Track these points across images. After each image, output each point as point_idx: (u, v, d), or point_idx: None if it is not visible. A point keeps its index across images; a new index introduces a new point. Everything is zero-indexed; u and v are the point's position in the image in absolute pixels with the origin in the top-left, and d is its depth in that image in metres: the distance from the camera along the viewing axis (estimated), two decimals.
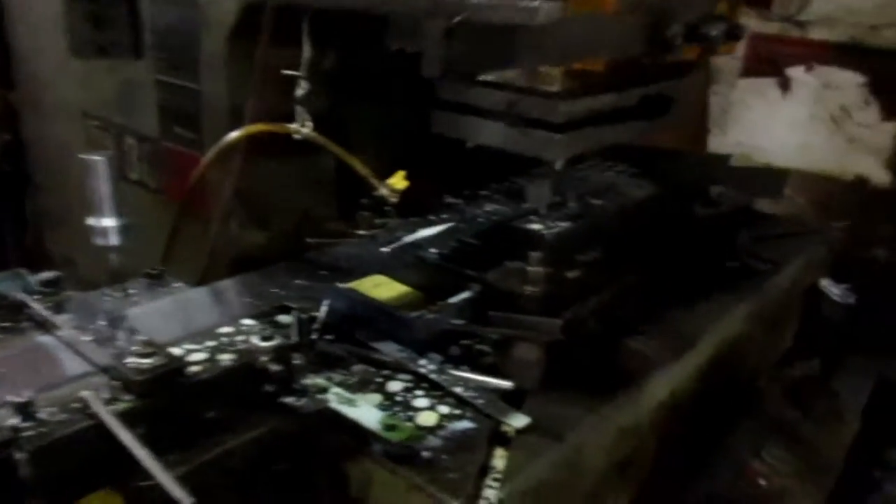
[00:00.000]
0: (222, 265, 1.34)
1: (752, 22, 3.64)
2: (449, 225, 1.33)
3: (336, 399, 1.01)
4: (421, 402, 1.08)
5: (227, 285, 1.09)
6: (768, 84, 3.66)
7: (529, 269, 1.20)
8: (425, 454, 0.97)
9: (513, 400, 1.10)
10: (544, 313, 1.17)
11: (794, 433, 1.51)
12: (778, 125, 3.67)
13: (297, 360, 0.98)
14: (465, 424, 1.04)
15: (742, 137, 3.82)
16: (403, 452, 0.95)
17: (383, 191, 1.18)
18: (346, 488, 1.00)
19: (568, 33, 1.01)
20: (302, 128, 1.09)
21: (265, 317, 1.09)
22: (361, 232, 1.39)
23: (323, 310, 1.28)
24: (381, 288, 1.39)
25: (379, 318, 1.21)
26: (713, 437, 1.45)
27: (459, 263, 1.37)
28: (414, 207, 1.44)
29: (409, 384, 1.12)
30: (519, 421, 1.03)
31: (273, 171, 1.45)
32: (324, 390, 1.03)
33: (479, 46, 0.89)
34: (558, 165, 1.34)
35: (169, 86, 1.52)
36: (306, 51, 1.09)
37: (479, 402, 1.06)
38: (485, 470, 0.95)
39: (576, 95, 1.28)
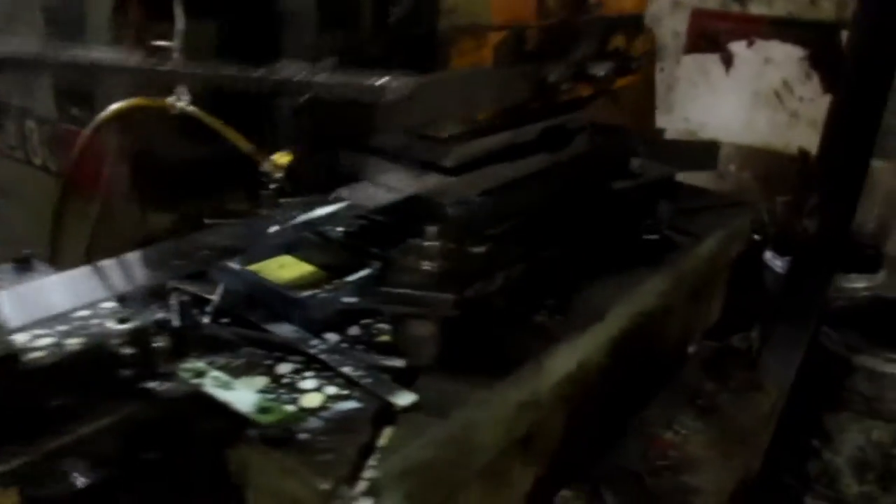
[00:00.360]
0: (117, 247, 1.29)
1: None
2: (347, 202, 1.29)
3: (212, 383, 0.98)
4: (309, 383, 1.05)
5: (105, 266, 1.05)
6: (712, 60, 3.67)
7: (425, 244, 1.17)
8: (303, 436, 0.94)
9: (406, 378, 1.08)
10: (443, 289, 1.14)
11: (710, 404, 1.51)
12: (722, 101, 3.69)
13: (166, 343, 0.94)
14: (351, 405, 1.01)
15: (688, 114, 3.83)
16: (278, 435, 0.92)
17: (266, 166, 1.14)
18: (227, 475, 0.97)
19: (431, 96, 1.01)
20: (178, 102, 1.05)
21: (136, 299, 1.05)
22: (265, 212, 1.35)
23: (218, 292, 1.24)
24: (287, 269, 1.36)
25: (272, 299, 1.18)
26: (628, 409, 1.44)
27: (364, 240, 1.34)
28: (321, 184, 1.41)
29: (300, 366, 1.09)
30: (404, 399, 1.00)
31: (173, 150, 1.40)
32: (201, 374, 1.00)
33: (341, 115, 0.89)
34: (451, 212, 1.33)
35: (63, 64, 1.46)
36: (179, 23, 1.05)
37: (367, 381, 1.04)
38: (365, 450, 0.93)
39: (468, 138, 1.28)
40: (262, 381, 1.05)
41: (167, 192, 1.37)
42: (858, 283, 2.81)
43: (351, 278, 1.21)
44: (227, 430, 0.94)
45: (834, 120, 2.13)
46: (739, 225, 1.84)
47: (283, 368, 1.09)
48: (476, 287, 1.22)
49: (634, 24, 1.55)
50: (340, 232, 1.39)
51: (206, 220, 1.33)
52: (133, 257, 1.12)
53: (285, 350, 1.12)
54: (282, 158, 1.14)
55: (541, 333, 1.23)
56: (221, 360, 1.08)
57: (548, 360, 1.18)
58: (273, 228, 1.17)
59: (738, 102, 3.64)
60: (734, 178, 3.77)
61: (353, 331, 1.19)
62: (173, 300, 1.06)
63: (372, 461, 0.92)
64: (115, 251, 1.12)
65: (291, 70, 0.84)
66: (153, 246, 1.09)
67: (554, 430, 1.29)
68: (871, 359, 2.45)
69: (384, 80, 0.85)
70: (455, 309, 1.09)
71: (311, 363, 1.09)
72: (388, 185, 1.35)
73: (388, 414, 0.99)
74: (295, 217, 1.22)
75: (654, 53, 3.88)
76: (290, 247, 1.39)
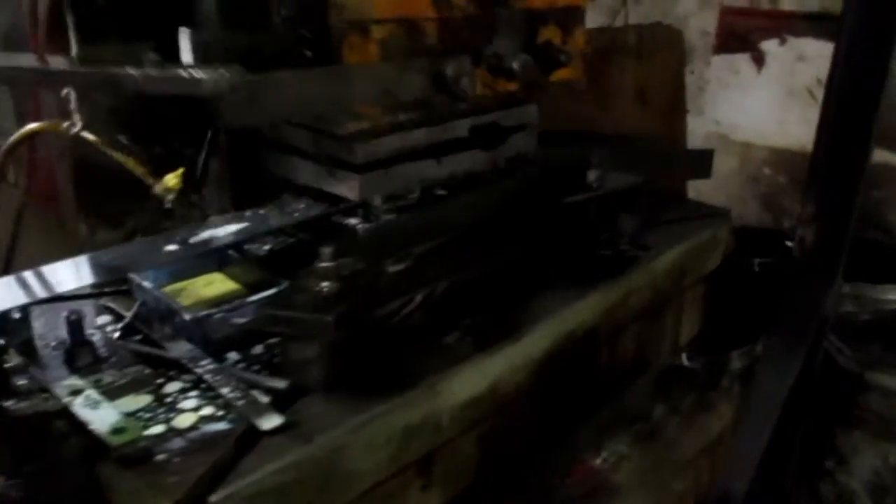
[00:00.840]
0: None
1: None
2: (248, 223, 1.31)
3: (82, 402, 1.01)
4: (189, 403, 1.07)
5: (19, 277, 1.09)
6: (742, 60, 3.53)
7: (321, 264, 1.17)
8: (161, 457, 0.96)
9: (286, 400, 1.08)
10: (334, 310, 1.14)
11: (651, 428, 1.45)
12: (754, 102, 3.54)
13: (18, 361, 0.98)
14: (220, 427, 1.02)
15: (719, 116, 3.70)
16: (131, 455, 0.94)
17: (158, 189, 1.17)
18: (99, 493, 1.00)
19: (279, 91, 0.99)
20: (73, 126, 1.09)
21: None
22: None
23: (133, 309, 1.28)
24: (213, 286, 1.39)
25: (171, 318, 1.20)
26: (560, 432, 1.40)
27: (282, 259, 1.36)
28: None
29: (188, 385, 1.12)
30: (269, 422, 1.01)
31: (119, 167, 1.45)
32: (77, 392, 1.03)
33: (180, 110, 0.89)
34: (376, 201, 1.32)
35: None
36: (73, 47, 1.09)
37: (240, 403, 1.05)
38: (216, 473, 0.94)
39: (378, 135, 1.27)
40: (144, 399, 1.08)
41: (103, 203, 1.42)
42: (891, 295, 2.64)
43: (252, 298, 1.23)
44: (88, 449, 0.97)
45: (826, 118, 1.99)
46: (712, 236, 1.76)
47: (171, 388, 1.11)
48: (373, 308, 1.21)
49: (572, 17, 1.49)
50: (265, 249, 1.41)
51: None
52: (48, 269, 1.16)
53: (177, 368, 1.14)
54: (172, 180, 1.17)
55: (444, 355, 1.21)
56: (108, 377, 1.11)
57: (444, 382, 1.16)
58: (170, 247, 1.19)
59: (771, 103, 3.48)
60: (769, 182, 3.61)
61: (257, 350, 1.21)
62: (65, 316, 1.10)
63: (222, 484, 0.93)
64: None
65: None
66: (67, 260, 1.13)
67: (462, 455, 1.26)
68: (886, 376, 2.30)
69: (202, 73, 0.85)
70: (336, 331, 1.09)
71: (199, 383, 1.11)
72: (306, 187, 1.35)
73: (251, 437, 1.00)
74: (196, 234, 1.24)
75: (683, 55, 3.76)
76: (221, 263, 1.43)
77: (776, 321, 2.16)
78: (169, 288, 1.35)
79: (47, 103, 1.27)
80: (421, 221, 1.39)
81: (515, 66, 1.31)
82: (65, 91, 1.06)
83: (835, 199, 2.00)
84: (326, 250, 1.18)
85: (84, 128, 1.08)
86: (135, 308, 1.28)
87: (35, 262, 1.18)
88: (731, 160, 3.68)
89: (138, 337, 1.24)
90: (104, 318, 1.31)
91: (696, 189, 3.79)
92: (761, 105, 3.49)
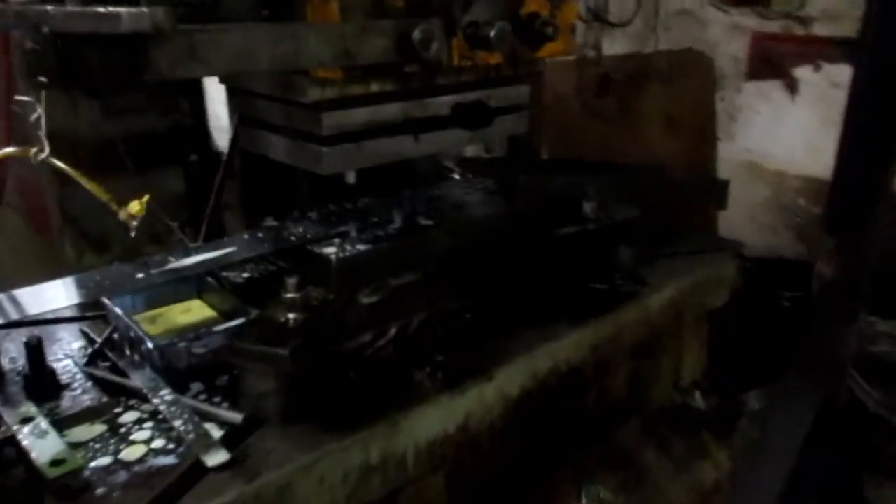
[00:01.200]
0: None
1: (751, 21, 3.43)
2: (228, 249, 1.29)
3: (31, 430, 1.00)
4: (142, 434, 1.06)
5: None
6: (775, 86, 3.43)
7: (286, 295, 1.15)
8: (101, 490, 0.94)
9: (240, 434, 1.06)
10: (298, 343, 1.12)
11: (639, 473, 1.38)
12: (787, 130, 3.43)
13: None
14: (167, 460, 1.00)
15: (751, 144, 3.59)
16: (69, 487, 0.92)
17: (122, 216, 1.16)
18: None
19: (220, 43, 0.95)
20: (40, 152, 1.09)
21: None
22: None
23: (104, 334, 1.28)
24: (190, 313, 1.38)
25: (137, 345, 1.19)
26: (539, 474, 1.34)
27: (257, 287, 1.34)
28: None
29: (146, 416, 1.10)
30: (215, 458, 0.98)
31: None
32: (28, 420, 1.02)
33: (112, 58, 0.85)
34: (350, 178, 1.29)
35: None
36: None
37: (191, 436, 1.02)
38: None
39: (347, 105, 1.23)
40: (98, 429, 1.07)
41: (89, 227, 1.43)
42: None
43: (219, 327, 1.21)
44: (31, 479, 0.96)
45: (845, 146, 1.90)
46: (716, 272, 1.68)
47: (128, 417, 1.10)
48: (341, 340, 1.18)
49: None
50: (242, 278, 1.40)
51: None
52: (25, 291, 1.16)
53: (137, 398, 1.13)
54: (136, 207, 1.16)
55: (412, 391, 1.17)
56: (66, 405, 1.10)
57: (407, 419, 1.12)
58: (139, 275, 1.19)
59: (805, 130, 3.37)
60: (803, 212, 3.49)
61: (223, 380, 1.19)
62: (24, 341, 1.10)
63: None
64: None
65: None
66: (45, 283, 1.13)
67: (430, 496, 1.22)
68: None
69: (123, 9, 0.82)
70: (293, 364, 1.06)
71: (156, 414, 1.10)
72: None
73: (196, 472, 0.98)
74: (170, 262, 1.23)
75: (713, 82, 3.67)
76: (200, 291, 1.42)
77: (793, 360, 2.06)
78: (145, 314, 1.35)
79: (15, 129, 1.28)
80: (400, 252, 1.36)
81: (492, 34, 1.25)
82: (34, 115, 1.07)
83: (855, 231, 1.90)
84: (291, 280, 1.16)
85: (50, 154, 1.09)
86: (106, 334, 1.28)
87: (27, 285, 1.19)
88: (763, 189, 3.56)
89: (106, 364, 1.24)
90: (79, 343, 1.32)
91: (728, 219, 3.68)
92: (795, 133, 3.38)
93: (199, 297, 1.41)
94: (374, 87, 1.26)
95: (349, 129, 1.25)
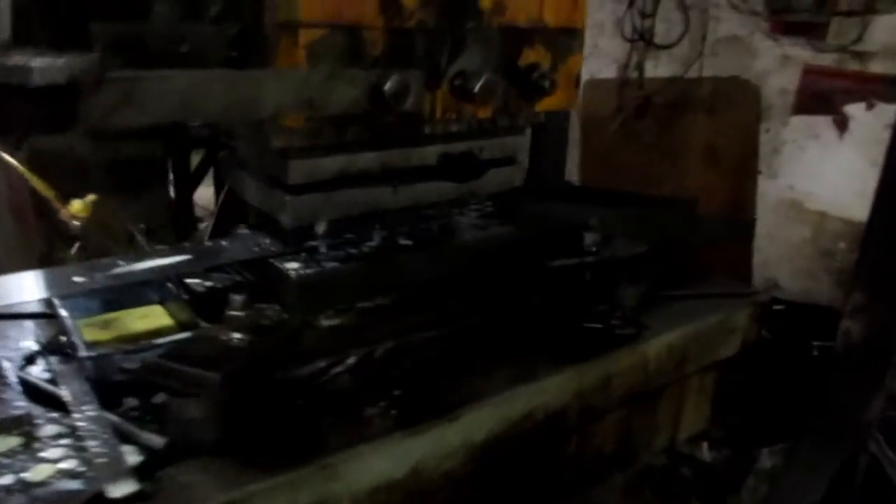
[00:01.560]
0: None
1: (804, 52, 3.25)
2: (181, 258, 1.21)
3: None
4: (55, 452, 0.97)
5: None
6: (823, 123, 3.24)
7: (230, 313, 1.05)
8: None
9: (160, 461, 0.96)
10: (232, 368, 1.02)
11: None
12: (833, 169, 3.24)
13: None
14: (71, 486, 0.91)
15: (794, 181, 3.41)
16: None
17: (64, 216, 1.09)
18: None
19: (160, 89, 0.87)
20: None
21: None
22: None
23: (49, 337, 1.21)
24: (147, 320, 1.29)
25: (75, 352, 1.11)
26: None
27: (217, 300, 1.25)
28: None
29: (66, 431, 1.02)
30: (120, 490, 0.89)
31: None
32: None
33: (37, 108, 0.77)
34: (319, 229, 1.20)
35: None
36: None
37: (101, 461, 0.93)
38: None
39: (318, 154, 1.15)
40: (12, 442, 0.99)
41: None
42: None
43: (161, 340, 1.12)
44: None
45: (883, 193, 1.74)
46: (725, 320, 1.54)
47: (47, 431, 1.02)
48: (289, 366, 1.09)
49: (565, 40, 1.31)
50: (203, 287, 1.31)
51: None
52: None
53: (63, 410, 1.05)
54: (77, 206, 1.09)
55: (359, 429, 1.06)
56: None
57: (347, 462, 1.02)
58: (78, 278, 1.11)
59: (852, 172, 3.17)
60: (843, 257, 3.28)
61: (159, 398, 1.10)
62: None
63: None
64: None
65: None
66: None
67: None
68: None
69: (35, 62, 0.74)
70: (222, 391, 0.97)
71: (76, 430, 1.01)
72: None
73: (98, 503, 0.88)
74: (118, 266, 1.15)
75: (758, 113, 3.49)
76: (163, 297, 1.34)
77: (811, 420, 1.90)
78: (99, 317, 1.26)
79: None
80: (372, 273, 1.25)
81: (477, 88, 1.15)
82: None
83: (889, 288, 1.73)
84: (237, 297, 1.07)
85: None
86: (51, 336, 1.20)
87: None
88: (803, 230, 3.37)
89: (44, 369, 1.16)
90: (27, 343, 1.25)
91: (763, 258, 3.50)
92: (841, 173, 3.18)
93: (162, 303, 1.33)
94: (349, 135, 1.18)
95: (319, 177, 1.18)
